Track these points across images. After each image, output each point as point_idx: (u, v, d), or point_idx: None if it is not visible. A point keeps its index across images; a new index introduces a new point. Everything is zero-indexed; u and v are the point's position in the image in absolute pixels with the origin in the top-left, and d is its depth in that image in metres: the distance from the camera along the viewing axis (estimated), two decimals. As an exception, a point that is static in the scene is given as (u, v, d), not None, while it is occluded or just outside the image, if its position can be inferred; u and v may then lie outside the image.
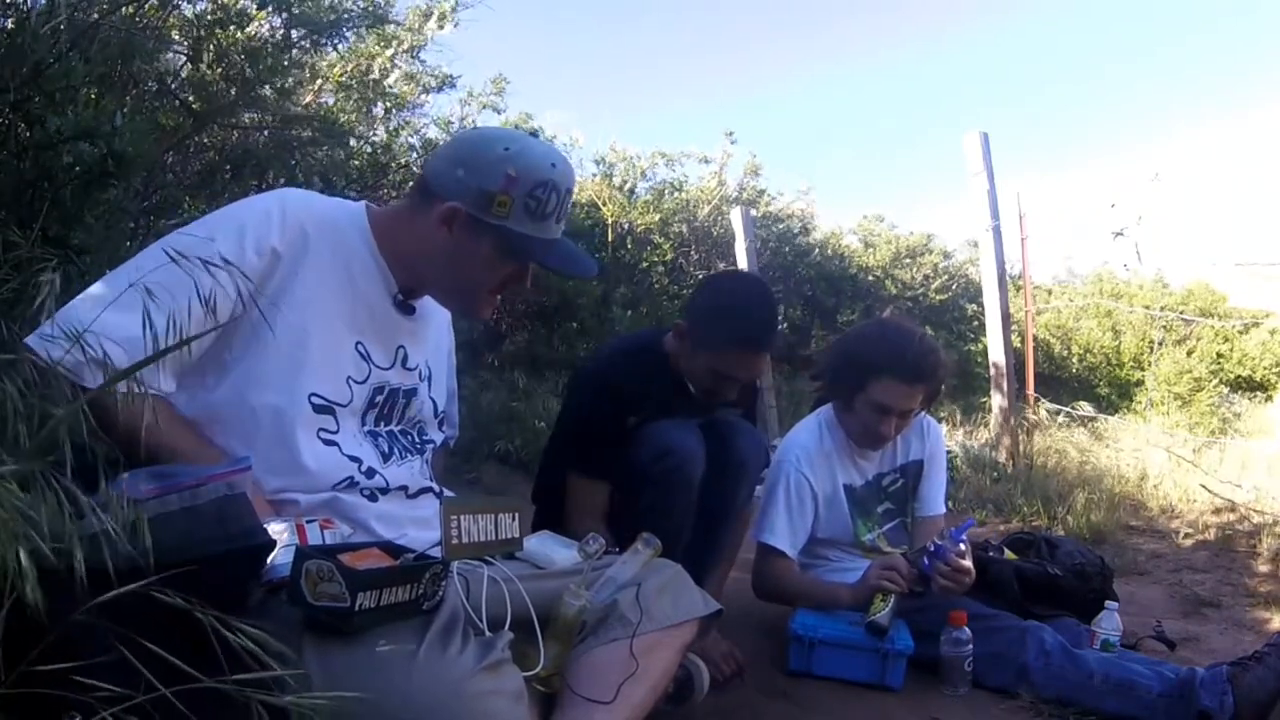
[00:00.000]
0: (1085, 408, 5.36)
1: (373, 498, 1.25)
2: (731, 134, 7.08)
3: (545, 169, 1.26)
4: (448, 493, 1.39)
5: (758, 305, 1.82)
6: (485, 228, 1.25)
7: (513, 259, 1.30)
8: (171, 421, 1.14)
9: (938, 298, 8.03)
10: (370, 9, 3.32)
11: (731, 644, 1.84)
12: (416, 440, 1.39)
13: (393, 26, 3.70)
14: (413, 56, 3.99)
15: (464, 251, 1.27)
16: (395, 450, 1.32)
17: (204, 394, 1.18)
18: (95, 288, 1.15)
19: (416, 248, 1.29)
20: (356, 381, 1.27)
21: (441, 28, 3.86)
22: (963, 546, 1.90)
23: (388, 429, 1.34)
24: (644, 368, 1.85)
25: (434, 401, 1.44)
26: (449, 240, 1.26)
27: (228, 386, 1.17)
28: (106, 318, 1.07)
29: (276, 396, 1.18)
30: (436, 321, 1.48)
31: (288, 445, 1.18)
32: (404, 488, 1.29)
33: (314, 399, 1.21)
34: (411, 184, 1.40)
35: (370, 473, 1.24)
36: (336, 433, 1.23)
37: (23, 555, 0.75)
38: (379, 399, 1.31)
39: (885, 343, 2.03)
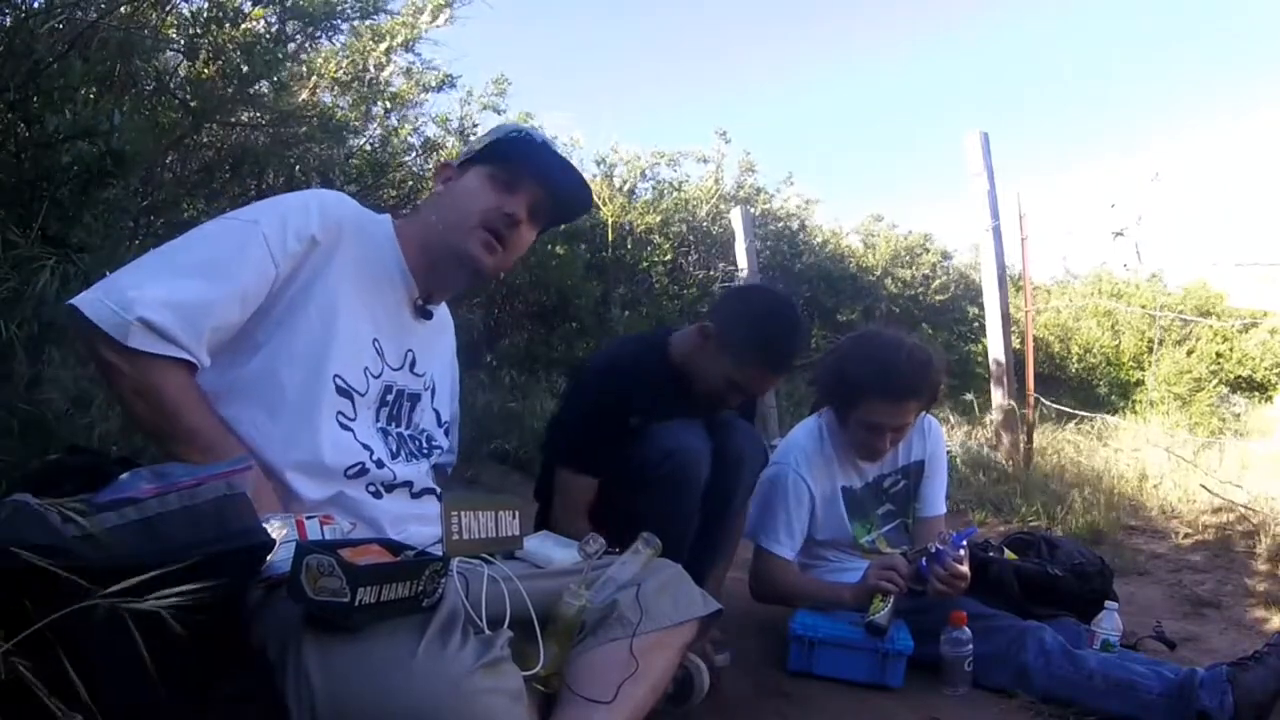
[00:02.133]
0: (1082, 407, 5.36)
1: (378, 494, 1.25)
2: (724, 132, 7.11)
3: (519, 125, 1.39)
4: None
5: (791, 329, 1.84)
6: (469, 164, 1.38)
7: (496, 176, 1.34)
8: (197, 400, 1.17)
9: (937, 298, 8.04)
10: (363, 1, 3.30)
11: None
12: (424, 445, 1.41)
13: (386, 19, 3.69)
14: (408, 49, 3.97)
15: (450, 191, 1.38)
16: (403, 451, 1.34)
17: (235, 369, 1.21)
18: (144, 259, 1.20)
19: (422, 237, 1.37)
20: (372, 375, 1.30)
21: (435, 20, 3.85)
22: (962, 552, 1.90)
23: (397, 430, 1.36)
24: (649, 367, 1.85)
25: (437, 413, 1.46)
26: (442, 191, 1.39)
27: (259, 361, 1.21)
28: (160, 283, 1.13)
29: (304, 373, 1.22)
30: (446, 338, 1.53)
31: (309, 421, 1.21)
32: (409, 484, 1.30)
33: (337, 380, 1.24)
34: None
35: (379, 463, 1.27)
36: (354, 420, 1.26)
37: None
38: (389, 398, 1.34)
39: (871, 363, 2.00)
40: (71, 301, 1.12)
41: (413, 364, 1.38)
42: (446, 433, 1.50)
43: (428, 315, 1.41)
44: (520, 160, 1.34)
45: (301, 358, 1.22)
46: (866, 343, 2.09)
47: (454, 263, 1.36)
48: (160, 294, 1.12)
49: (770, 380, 1.88)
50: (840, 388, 2.07)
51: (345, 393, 1.25)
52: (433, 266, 1.37)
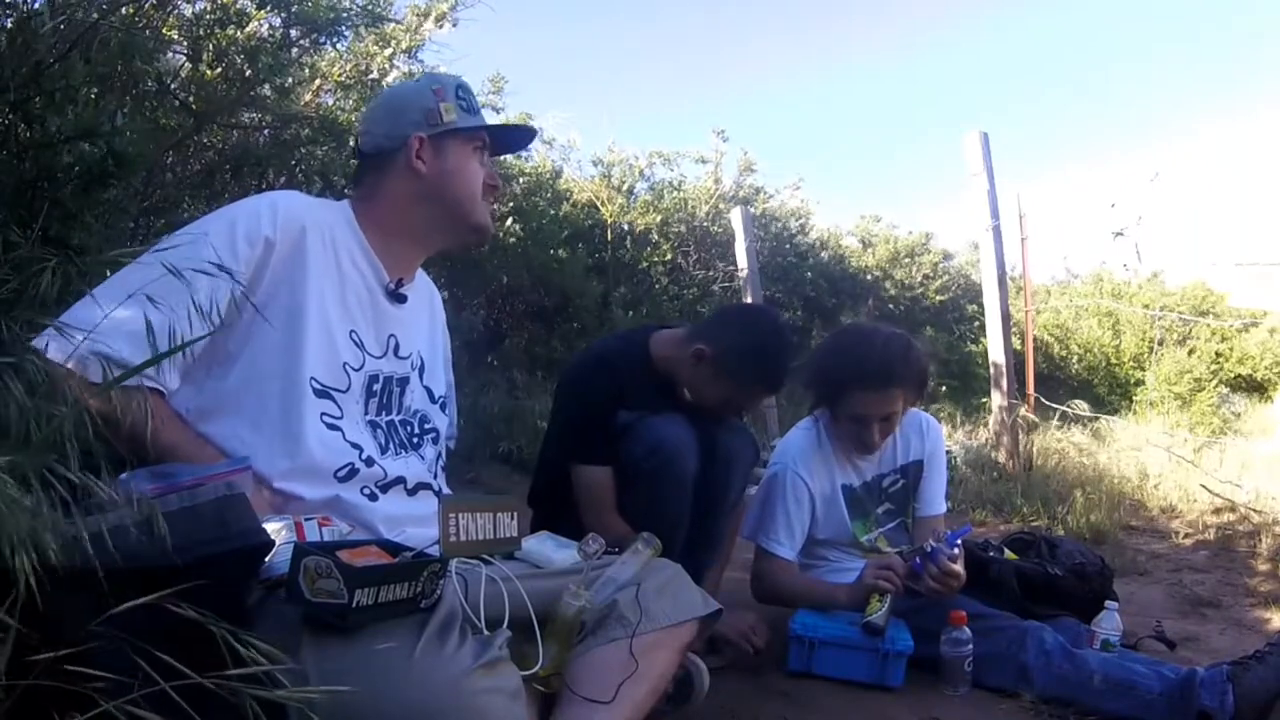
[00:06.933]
0: (1081, 407, 5.36)
1: (373, 497, 1.25)
2: (723, 132, 7.08)
3: (450, 77, 1.45)
4: (445, 490, 1.39)
5: (785, 350, 1.90)
6: (445, 137, 1.38)
7: (477, 147, 1.42)
8: (169, 419, 1.16)
9: (937, 298, 8.04)
10: (370, 7, 3.31)
11: (757, 616, 1.99)
12: (416, 430, 1.40)
13: (391, 25, 3.69)
14: (410, 56, 3.98)
15: (443, 172, 1.38)
16: (391, 444, 1.33)
17: (212, 384, 1.21)
18: (98, 290, 1.17)
19: (400, 215, 1.38)
20: (353, 368, 1.30)
21: (440, 27, 3.85)
22: (956, 551, 1.90)
23: (387, 419, 1.35)
24: (633, 363, 1.89)
25: (429, 390, 1.45)
26: (426, 173, 1.37)
27: (236, 374, 1.20)
28: (113, 316, 1.10)
29: (280, 381, 1.21)
30: (428, 312, 1.52)
31: (292, 428, 1.20)
32: (402, 480, 1.30)
33: (314, 383, 1.23)
34: (354, 174, 1.48)
35: (370, 461, 1.26)
36: (340, 418, 1.26)
37: (26, 554, 0.75)
38: (376, 388, 1.33)
39: (845, 356, 2.04)
40: (33, 343, 1.10)
41: (396, 348, 1.38)
42: (443, 407, 1.49)
43: (402, 299, 1.40)
44: (480, 124, 1.43)
45: (275, 366, 1.21)
46: (842, 337, 2.19)
47: (464, 235, 1.45)
48: (115, 325, 1.10)
49: (766, 396, 1.99)
50: (824, 385, 2.10)
51: (324, 394, 1.24)
52: (417, 249, 1.43)
